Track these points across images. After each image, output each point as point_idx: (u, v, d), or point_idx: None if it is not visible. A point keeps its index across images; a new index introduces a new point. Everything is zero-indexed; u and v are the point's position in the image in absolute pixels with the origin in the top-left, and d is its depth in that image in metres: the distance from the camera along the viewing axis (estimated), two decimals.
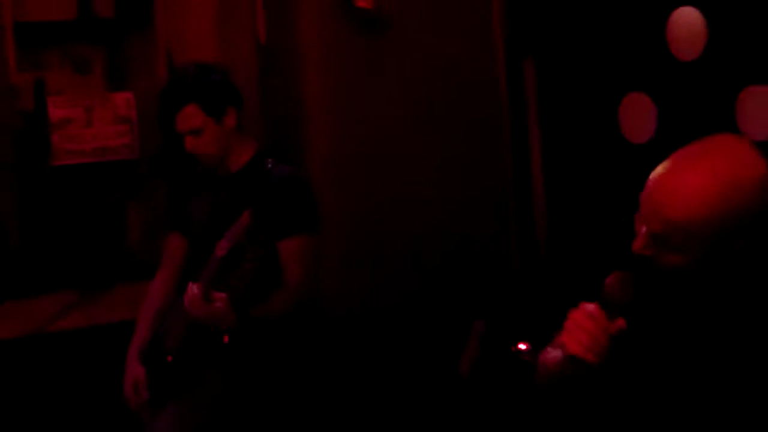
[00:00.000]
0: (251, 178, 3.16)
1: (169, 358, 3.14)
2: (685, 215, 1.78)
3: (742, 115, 3.32)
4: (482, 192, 4.25)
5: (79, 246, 4.15)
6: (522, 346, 2.61)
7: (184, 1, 4.31)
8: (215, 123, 3.10)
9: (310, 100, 4.13)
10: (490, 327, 3.11)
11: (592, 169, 4.00)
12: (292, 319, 3.12)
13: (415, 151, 4.05)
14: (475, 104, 4.26)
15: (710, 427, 1.92)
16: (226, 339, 3.04)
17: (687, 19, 3.50)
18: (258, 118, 4.12)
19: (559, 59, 4.13)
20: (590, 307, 1.82)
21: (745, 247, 1.82)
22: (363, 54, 3.97)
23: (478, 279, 4.10)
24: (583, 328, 1.80)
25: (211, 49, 4.10)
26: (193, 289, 2.86)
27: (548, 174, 4.23)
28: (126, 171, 3.94)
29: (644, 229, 1.84)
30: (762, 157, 1.80)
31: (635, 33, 3.75)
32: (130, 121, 4.17)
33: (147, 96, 4.11)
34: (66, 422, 3.87)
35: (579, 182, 4.09)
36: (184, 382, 3.16)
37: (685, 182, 1.81)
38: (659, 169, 1.89)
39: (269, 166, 3.19)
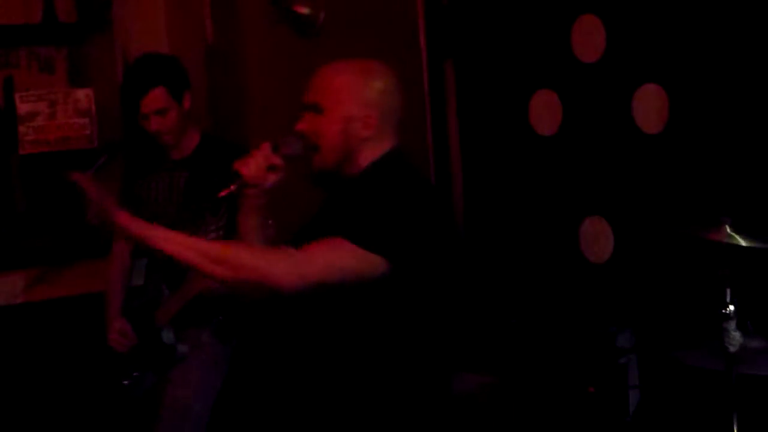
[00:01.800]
0: (207, 156, 3.34)
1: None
2: (329, 80, 2.38)
3: (637, 111, 3.49)
4: None
5: (44, 225, 4.20)
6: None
7: (139, 7, 4.39)
8: (177, 105, 3.27)
9: (252, 96, 4.23)
10: None
11: (506, 159, 4.11)
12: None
13: None
14: None
15: None
16: None
17: (588, 26, 3.66)
18: (205, 113, 4.20)
19: (476, 62, 4.22)
20: (265, 144, 2.36)
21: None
22: (300, 55, 4.06)
23: None
24: (254, 157, 2.32)
25: (163, 49, 4.14)
26: None
27: (466, 164, 4.35)
28: (86, 158, 3.99)
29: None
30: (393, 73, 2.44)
31: (543, 38, 3.85)
32: (89, 114, 4.27)
33: (105, 91, 4.22)
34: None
35: (494, 172, 4.20)
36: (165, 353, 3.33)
37: (333, 66, 2.42)
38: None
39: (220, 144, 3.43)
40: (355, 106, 2.33)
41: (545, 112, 3.89)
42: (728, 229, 2.63)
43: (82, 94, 4.23)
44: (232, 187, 2.27)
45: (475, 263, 4.08)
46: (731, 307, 2.56)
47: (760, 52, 3.08)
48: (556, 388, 3.25)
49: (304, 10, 4.09)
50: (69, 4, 4.35)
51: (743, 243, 2.57)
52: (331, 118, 2.32)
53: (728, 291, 2.58)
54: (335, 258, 2.15)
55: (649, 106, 3.46)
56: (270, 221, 2.42)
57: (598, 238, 3.68)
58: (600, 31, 3.61)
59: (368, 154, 2.36)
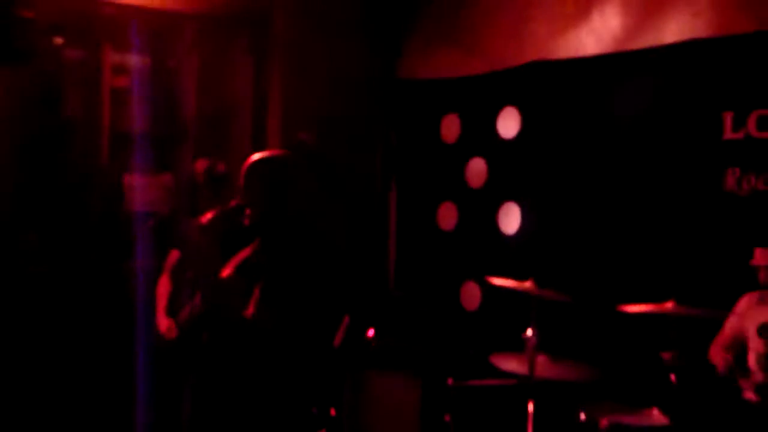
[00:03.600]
0: None
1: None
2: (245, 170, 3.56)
3: (501, 219, 5.58)
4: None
5: None
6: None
7: None
8: None
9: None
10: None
11: (420, 242, 6.20)
12: None
13: None
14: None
15: None
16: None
17: (476, 165, 5.75)
18: None
19: (409, 182, 6.32)
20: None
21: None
22: None
23: None
24: None
25: None
26: None
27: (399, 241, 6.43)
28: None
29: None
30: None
31: (448, 173, 5.99)
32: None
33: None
34: None
35: (413, 248, 6.27)
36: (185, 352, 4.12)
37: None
38: None
39: None
40: None
41: (447, 215, 5.99)
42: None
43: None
44: None
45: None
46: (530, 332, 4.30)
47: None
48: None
49: (304, 136, 5.92)
50: None
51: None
52: None
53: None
54: None
55: (510, 216, 5.54)
56: None
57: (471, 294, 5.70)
58: (484, 167, 5.73)
59: None
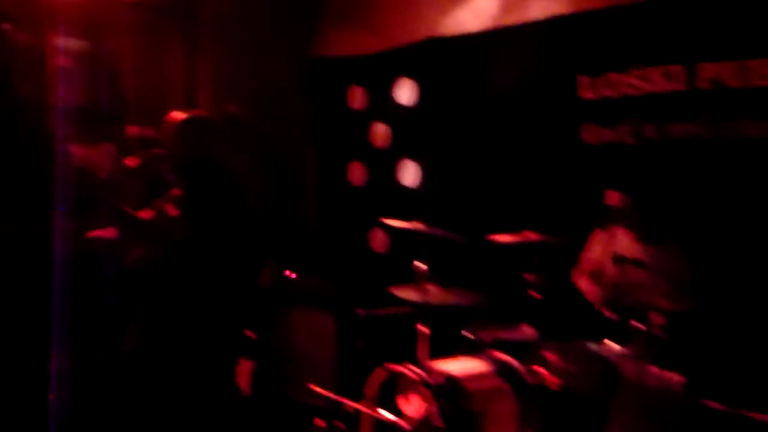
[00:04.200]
0: None
1: None
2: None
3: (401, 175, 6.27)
4: None
5: None
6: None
7: None
8: None
9: None
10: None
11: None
12: None
13: None
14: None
15: None
16: None
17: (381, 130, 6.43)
18: None
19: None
20: None
21: None
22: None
23: None
24: None
25: None
26: None
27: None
28: None
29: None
30: None
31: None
32: None
33: None
34: None
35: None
36: None
37: None
38: None
39: None
40: None
41: (356, 172, 6.78)
42: None
43: None
44: None
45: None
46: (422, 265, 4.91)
47: None
48: None
49: (233, 109, 6.52)
50: None
51: None
52: None
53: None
54: None
55: (409, 171, 6.31)
56: None
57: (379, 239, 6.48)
58: (386, 131, 6.47)
59: None
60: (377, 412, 4.37)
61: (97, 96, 6.07)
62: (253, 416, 5.41)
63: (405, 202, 6.32)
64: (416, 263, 4.72)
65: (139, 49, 6.38)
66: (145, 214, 4.06)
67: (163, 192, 4.11)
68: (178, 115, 4.15)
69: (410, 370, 4.29)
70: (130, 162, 4.26)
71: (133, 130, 5.19)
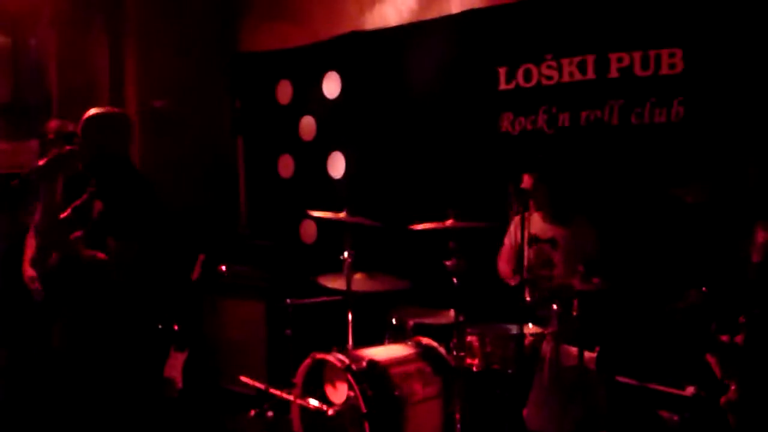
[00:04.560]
0: None
1: None
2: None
3: (330, 166, 6.39)
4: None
5: None
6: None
7: None
8: None
9: None
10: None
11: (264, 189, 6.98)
12: None
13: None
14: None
15: None
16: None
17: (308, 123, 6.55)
18: None
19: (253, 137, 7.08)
20: None
21: None
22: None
23: None
24: None
25: None
26: None
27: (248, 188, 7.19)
28: None
29: None
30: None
31: (282, 128, 6.76)
32: None
33: None
34: None
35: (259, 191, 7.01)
36: None
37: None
38: None
39: None
40: None
41: (285, 165, 6.83)
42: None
43: None
44: None
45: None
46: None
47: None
48: None
49: (159, 105, 6.61)
50: None
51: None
52: None
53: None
54: None
55: (336, 163, 6.42)
56: None
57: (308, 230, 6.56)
58: (313, 123, 6.58)
59: None
60: (304, 400, 4.49)
61: (22, 91, 6.13)
62: (185, 408, 5.48)
63: (332, 193, 6.44)
64: (343, 253, 4.84)
65: (64, 43, 6.35)
66: (64, 213, 4.09)
67: (83, 188, 4.13)
68: (92, 111, 4.18)
69: (335, 357, 4.41)
70: (41, 160, 4.27)
71: (53, 124, 5.17)
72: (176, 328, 4.95)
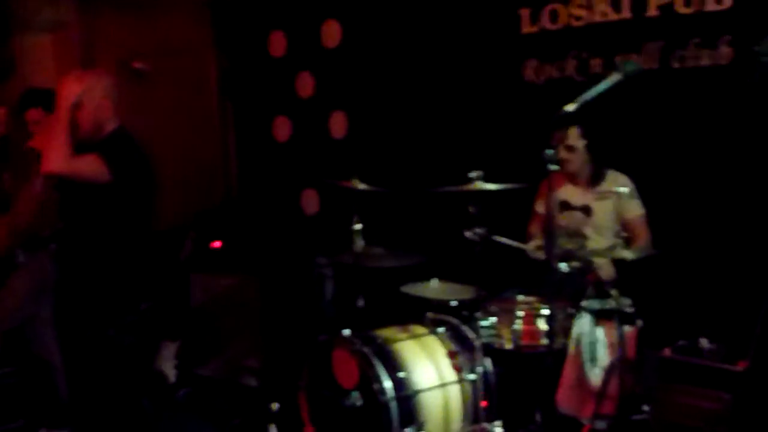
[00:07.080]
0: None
1: None
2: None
3: (332, 126, 6.08)
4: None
5: None
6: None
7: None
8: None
9: None
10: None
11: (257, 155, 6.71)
12: None
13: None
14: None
15: None
16: None
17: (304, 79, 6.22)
18: None
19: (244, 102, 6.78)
20: None
21: None
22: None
23: None
24: None
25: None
26: None
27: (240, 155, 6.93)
28: None
29: None
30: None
31: (277, 85, 6.44)
32: None
33: None
34: None
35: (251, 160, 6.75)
36: None
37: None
38: None
39: None
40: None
41: (281, 127, 6.46)
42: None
43: None
44: None
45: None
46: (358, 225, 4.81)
47: None
48: None
49: (138, 65, 6.33)
50: None
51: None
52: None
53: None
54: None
55: (338, 122, 6.08)
56: None
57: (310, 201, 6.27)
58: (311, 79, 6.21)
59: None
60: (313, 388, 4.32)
61: None
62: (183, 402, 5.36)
63: (335, 156, 6.12)
64: (353, 224, 4.63)
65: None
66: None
67: None
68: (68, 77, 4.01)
69: (344, 339, 4.25)
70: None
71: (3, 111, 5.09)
72: (165, 314, 4.85)
